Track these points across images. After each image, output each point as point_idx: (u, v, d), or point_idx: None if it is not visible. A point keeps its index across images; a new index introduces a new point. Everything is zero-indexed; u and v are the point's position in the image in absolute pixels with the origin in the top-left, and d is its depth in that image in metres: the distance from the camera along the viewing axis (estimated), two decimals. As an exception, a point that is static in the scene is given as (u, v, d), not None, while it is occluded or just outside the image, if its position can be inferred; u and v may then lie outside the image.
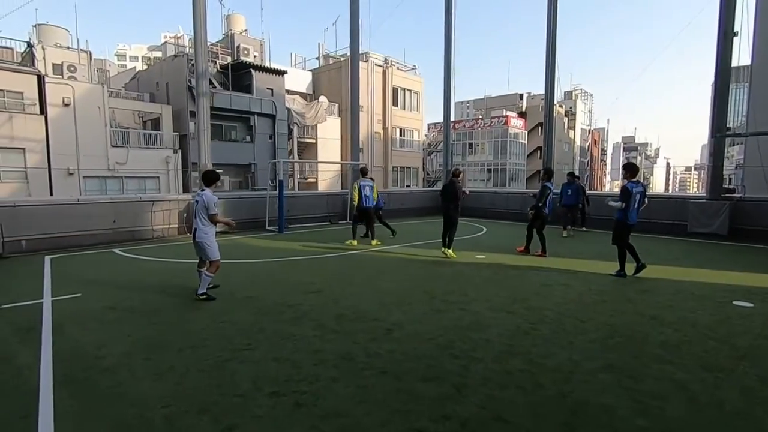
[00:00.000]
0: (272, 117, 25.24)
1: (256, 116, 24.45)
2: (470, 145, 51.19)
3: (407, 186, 32.61)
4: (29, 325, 4.44)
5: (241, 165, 24.50)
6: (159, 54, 33.27)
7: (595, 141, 73.00)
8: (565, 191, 11.58)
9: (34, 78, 17.82)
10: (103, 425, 2.67)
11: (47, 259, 8.05)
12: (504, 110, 50.18)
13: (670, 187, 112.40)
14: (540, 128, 53.44)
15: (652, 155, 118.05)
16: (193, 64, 22.22)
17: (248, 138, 24.82)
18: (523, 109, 55.02)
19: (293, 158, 26.25)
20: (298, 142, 27.26)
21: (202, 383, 3.20)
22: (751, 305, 5.12)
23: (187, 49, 25.07)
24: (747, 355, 3.67)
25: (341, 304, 5.13)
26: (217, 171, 6.05)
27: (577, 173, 12.99)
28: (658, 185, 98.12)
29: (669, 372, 3.35)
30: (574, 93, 66.84)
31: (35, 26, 22.06)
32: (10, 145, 17.05)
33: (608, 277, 6.54)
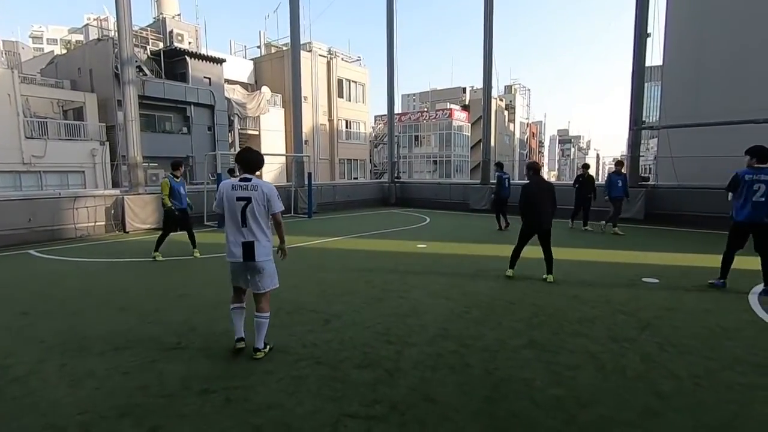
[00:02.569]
0: (211, 107, 24.08)
1: (192, 106, 23.19)
2: (416, 137, 51.96)
3: (354, 178, 32.57)
4: None
5: (177, 158, 23.17)
6: (81, 37, 30.42)
7: (533, 134, 76.94)
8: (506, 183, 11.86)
9: (-74, 60, 15.66)
10: (7, 439, 2.47)
11: (-53, 263, 7.20)
12: (448, 103, 51.39)
13: (601, 177, 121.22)
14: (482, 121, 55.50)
15: (585, 147, 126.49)
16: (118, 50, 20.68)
17: (185, 129, 23.52)
18: (467, 102, 56.65)
19: (235, 150, 25.24)
20: (239, 134, 26.24)
21: (124, 386, 3.03)
22: (657, 281, 5.70)
23: (113, 32, 23.17)
24: (649, 326, 4.09)
25: (279, 297, 5.04)
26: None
27: (505, 164, 13.24)
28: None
29: (583, 345, 3.66)
30: (513, 87, 69.75)
31: (-75, 0, 19.33)
32: None
33: (537, 261, 6.98)
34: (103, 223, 10.27)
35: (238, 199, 3.28)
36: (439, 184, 18.85)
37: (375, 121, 49.12)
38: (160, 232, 7.70)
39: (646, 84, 12.12)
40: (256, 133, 27.32)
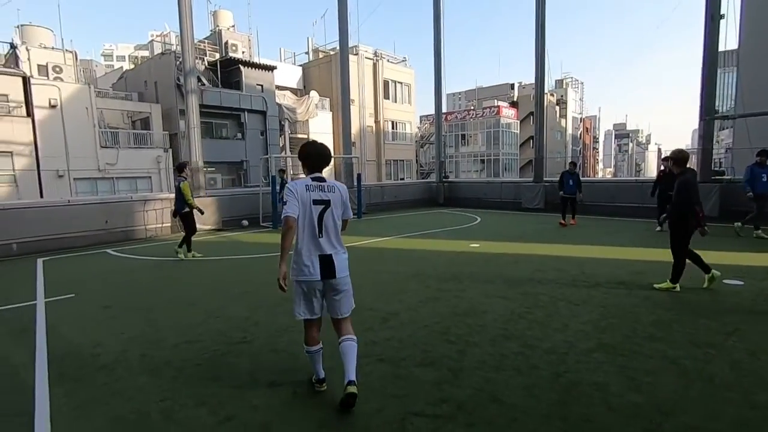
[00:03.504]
0: (263, 113, 25.08)
1: (246, 113, 24.28)
2: (462, 136, 51.18)
3: (401, 179, 32.60)
4: (22, 326, 4.41)
5: (233, 162, 24.36)
6: (146, 53, 32.82)
7: (587, 129, 73.27)
8: (566, 181, 11.31)
9: (19, 80, 17.55)
10: (100, 421, 2.67)
11: (39, 261, 7.99)
12: (495, 100, 50.19)
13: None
14: (532, 117, 53.56)
15: (644, 142, 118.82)
16: (180, 62, 22.06)
17: (239, 135, 24.66)
18: (515, 99, 55.05)
19: (286, 154, 26.11)
20: (289, 138, 27.11)
21: (199, 377, 3.20)
22: (741, 283, 5.20)
23: (174, 46, 24.78)
24: (736, 331, 3.73)
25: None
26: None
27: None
28: (651, 171, 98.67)
29: (660, 349, 3.40)
30: (564, 81, 66.88)
31: (18, 27, 21.69)
32: (-3, 149, 16.84)
33: (599, 260, 6.61)
34: (169, 224, 10.96)
35: (315, 202, 2.68)
36: (489, 182, 18.41)
37: (420, 121, 48.95)
38: (184, 235, 7.95)
39: (718, 70, 11.15)
40: (305, 136, 28.08)
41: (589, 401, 2.69)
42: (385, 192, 16.52)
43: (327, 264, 2.70)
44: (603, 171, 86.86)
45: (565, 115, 61.30)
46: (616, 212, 12.22)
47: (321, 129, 28.47)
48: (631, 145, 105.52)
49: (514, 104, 53.00)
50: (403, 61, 34.86)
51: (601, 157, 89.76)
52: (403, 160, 33.88)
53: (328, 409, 2.70)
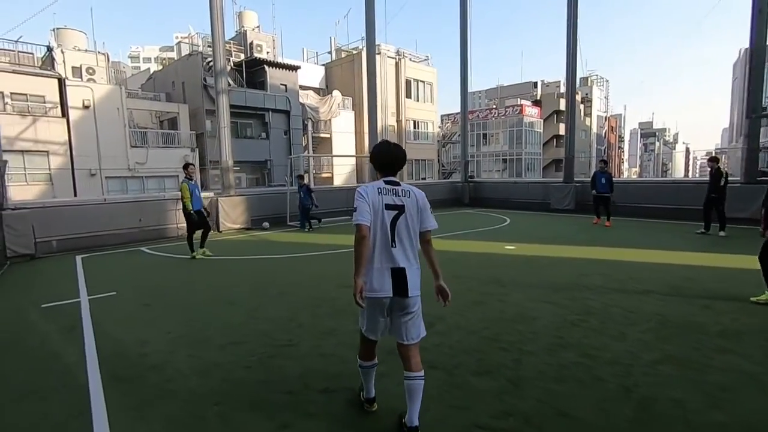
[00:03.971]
0: (287, 113, 25.27)
1: (270, 112, 24.50)
2: (484, 135, 50.54)
3: (423, 179, 32.40)
4: (71, 324, 4.47)
5: (257, 162, 24.61)
6: (172, 55, 33.52)
7: (612, 128, 71.49)
8: (599, 179, 11.03)
9: (55, 81, 18.10)
10: (157, 424, 2.64)
11: (78, 258, 8.16)
12: (518, 99, 49.37)
13: (690, 173, 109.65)
14: (556, 116, 52.47)
15: (671, 141, 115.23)
16: (207, 62, 22.39)
17: (263, 134, 24.89)
18: (538, 97, 54.11)
19: (309, 153, 26.27)
20: (312, 137, 27.24)
21: (249, 380, 3.15)
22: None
23: (201, 47, 25.18)
24: (816, 344, 3.48)
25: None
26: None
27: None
28: (678, 171, 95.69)
29: (734, 363, 3.18)
30: (589, 79, 65.38)
31: (54, 30, 22.39)
32: (34, 149, 17.40)
33: (645, 265, 6.34)
34: (200, 223, 11.07)
35: (388, 207, 2.38)
36: (516, 183, 18.06)
37: (442, 120, 48.59)
38: (187, 236, 7.80)
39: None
40: (328, 136, 28.20)
41: (670, 420, 2.52)
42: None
43: (399, 279, 2.35)
44: (628, 171, 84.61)
45: (590, 114, 59.92)
46: (651, 214, 11.80)
47: (343, 128, 28.53)
48: (657, 144, 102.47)
49: (537, 103, 52.07)
50: (425, 59, 34.63)
51: (626, 156, 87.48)
52: (424, 160, 33.65)
53: (388, 419, 2.60)
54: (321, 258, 7.77)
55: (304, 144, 26.67)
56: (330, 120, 27.88)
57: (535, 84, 57.68)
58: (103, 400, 2.91)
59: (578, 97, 56.73)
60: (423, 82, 32.77)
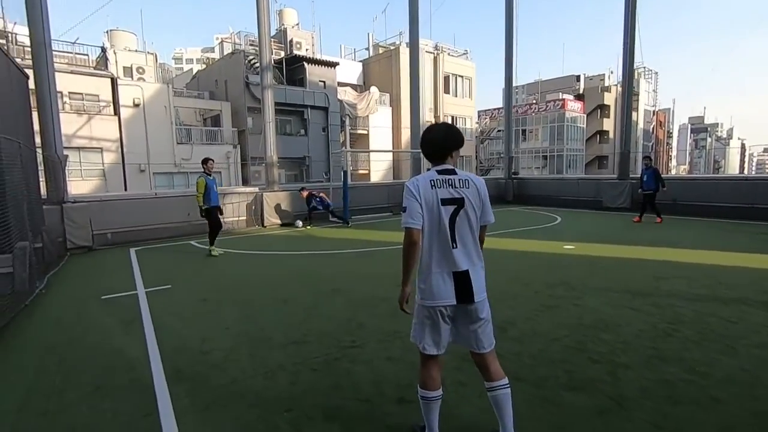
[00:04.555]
0: (325, 109, 25.31)
1: (309, 109, 24.60)
2: (523, 131, 49.04)
3: (460, 175, 31.74)
4: (131, 317, 4.44)
5: (296, 158, 24.80)
6: (213, 55, 34.42)
7: (660, 123, 67.73)
8: (643, 177, 10.63)
9: (108, 81, 18.85)
10: (228, 428, 2.47)
11: (132, 251, 8.34)
12: (560, 93, 47.54)
13: (746, 170, 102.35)
14: (599, 111, 50.21)
15: (724, 136, 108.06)
16: (249, 60, 22.73)
17: (302, 131, 25.05)
18: (581, 92, 51.93)
19: (347, 149, 26.24)
20: (350, 133, 27.18)
21: (318, 384, 2.94)
22: None
23: (243, 45, 25.63)
24: None
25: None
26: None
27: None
28: (732, 168, 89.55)
29: None
30: (637, 71, 62.13)
31: (107, 32, 23.41)
32: (89, 145, 18.21)
33: (730, 269, 5.72)
34: (245, 217, 11.16)
35: (444, 202, 2.03)
36: (563, 179, 17.24)
37: (479, 116, 47.50)
38: (209, 231, 7.68)
39: None
40: (365, 132, 28.09)
41: (829, 457, 2.10)
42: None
43: (463, 283, 2.04)
44: (676, 168, 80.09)
45: (637, 108, 56.89)
46: (713, 213, 10.94)
47: (381, 125, 28.34)
48: (709, 140, 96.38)
49: (579, 97, 49.99)
50: (464, 54, 33.90)
51: (674, 153, 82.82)
52: (462, 156, 32.94)
53: (480, 437, 2.31)
54: (368, 255, 7.57)
55: (341, 140, 26.67)
56: (367, 116, 27.76)
57: (578, 77, 55.36)
58: (169, 400, 2.78)
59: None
60: (461, 77, 32.10)
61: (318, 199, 11.14)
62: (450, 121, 31.66)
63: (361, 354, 3.40)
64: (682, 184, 12.34)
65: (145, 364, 3.34)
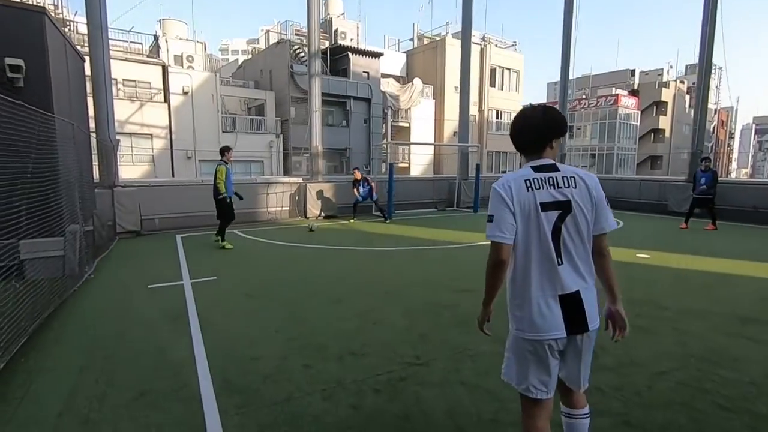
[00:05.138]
0: (368, 101, 24.95)
1: (352, 100, 24.30)
2: (570, 127, 46.77)
3: (503, 172, 30.65)
4: (176, 311, 4.21)
5: (336, 149, 24.62)
6: (259, 46, 34.75)
7: (723, 122, 62.95)
8: (698, 180, 9.59)
9: (160, 69, 19.28)
10: (286, 464, 2.09)
11: (178, 237, 8.28)
12: (613, 89, 44.95)
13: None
14: (655, 108, 47.16)
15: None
16: (294, 50, 22.67)
17: (344, 122, 24.82)
18: (635, 87, 48.92)
19: (387, 142, 25.83)
20: (391, 126, 26.74)
21: (385, 411, 2.52)
22: None
23: (287, 36, 25.63)
24: None
25: (505, 309, 4.23)
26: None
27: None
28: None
29: None
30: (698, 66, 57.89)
31: (160, 21, 24.01)
32: (140, 131, 18.73)
33: None
34: (288, 208, 10.97)
35: (545, 206, 1.62)
36: (622, 180, 16.05)
37: (524, 111, 45.65)
38: (220, 222, 7.37)
39: None
40: (407, 125, 27.54)
41: None
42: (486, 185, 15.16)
43: (574, 308, 1.62)
44: (737, 171, 74.42)
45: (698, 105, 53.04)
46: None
47: (423, 117, 27.71)
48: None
49: (633, 93, 47.10)
50: (512, 45, 32.54)
51: (735, 155, 76.94)
52: (506, 152, 31.77)
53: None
54: (419, 255, 7.10)
55: (383, 132, 26.27)
56: (409, 108, 27.18)
57: (633, 72, 52.18)
58: (218, 416, 2.45)
59: (683, 87, 50.63)
60: (509, 69, 30.83)
61: (368, 187, 10.53)
62: (495, 116, 30.54)
63: (428, 375, 2.96)
64: (764, 191, 11.07)
65: (191, 368, 3.04)
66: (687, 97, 50.92)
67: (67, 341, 3.56)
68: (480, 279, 1.76)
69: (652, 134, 47.69)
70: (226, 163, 7.31)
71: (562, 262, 1.62)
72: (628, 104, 43.67)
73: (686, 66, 56.42)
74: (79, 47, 8.30)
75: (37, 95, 5.18)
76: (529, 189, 1.62)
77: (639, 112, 45.63)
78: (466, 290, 4.84)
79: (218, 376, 2.93)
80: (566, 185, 1.64)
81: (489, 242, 1.65)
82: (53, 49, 5.70)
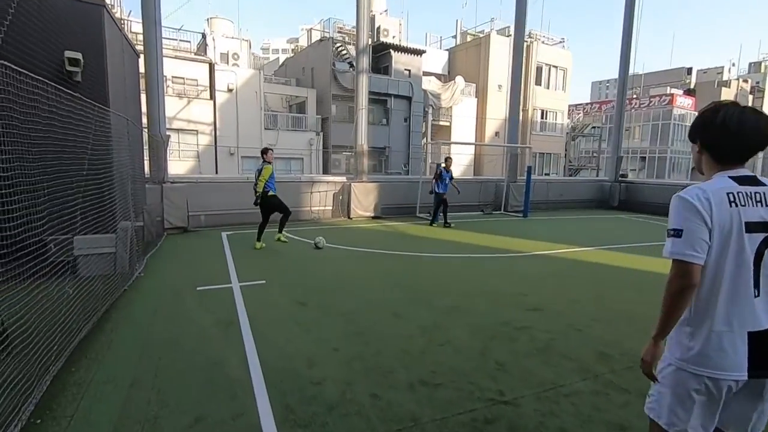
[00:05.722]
0: (408, 99, 24.51)
1: (393, 98, 23.95)
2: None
3: (546, 174, 29.43)
4: (227, 318, 3.97)
5: (375, 148, 24.31)
6: (301, 44, 35.02)
7: (790, 124, 58.01)
8: None
9: (207, 66, 19.64)
10: None
11: (224, 235, 8.19)
12: (668, 88, 42.36)
13: None
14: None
15: None
16: (336, 48, 22.56)
17: (384, 120, 24.50)
18: (692, 86, 45.95)
19: (427, 141, 25.30)
20: (432, 124, 26.19)
21: (476, 464, 2.12)
22: None
23: (330, 33, 25.58)
24: None
25: (590, 335, 3.73)
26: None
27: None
28: None
29: None
30: (763, 64, 53.73)
31: (208, 19, 24.55)
32: (187, 128, 19.15)
33: None
34: (331, 207, 10.73)
35: (751, 227, 1.36)
36: (681, 186, 14.86)
37: (569, 111, 43.90)
38: (261, 222, 7.31)
39: None
40: (447, 123, 26.90)
41: None
42: (551, 189, 14.39)
43: (763, 349, 1.36)
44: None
45: (761, 106, 49.21)
46: None
47: (464, 115, 26.99)
48: None
49: (690, 92, 44.22)
50: (560, 42, 31.17)
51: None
52: (550, 154, 30.55)
53: None
54: (476, 263, 6.62)
55: (423, 131, 25.76)
56: (450, 107, 26.53)
57: (689, 70, 49.07)
58: (284, 457, 2.12)
59: (746, 86, 47.10)
60: (556, 67, 29.55)
61: (450, 178, 9.84)
62: (540, 116, 29.35)
63: (519, 417, 2.52)
64: None
65: (249, 388, 2.75)
66: (750, 97, 47.34)
67: (118, 348, 3.37)
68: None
69: (709, 137, 44.58)
70: (269, 163, 7.16)
71: (759, 294, 1.38)
72: (684, 104, 41.01)
73: (750, 64, 52.46)
74: (133, 44, 8.35)
75: (94, 89, 5.11)
76: (732, 204, 1.36)
77: (696, 113, 42.79)
78: (537, 309, 4.35)
79: (278, 402, 2.61)
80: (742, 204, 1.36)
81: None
82: (111, 43, 5.65)
